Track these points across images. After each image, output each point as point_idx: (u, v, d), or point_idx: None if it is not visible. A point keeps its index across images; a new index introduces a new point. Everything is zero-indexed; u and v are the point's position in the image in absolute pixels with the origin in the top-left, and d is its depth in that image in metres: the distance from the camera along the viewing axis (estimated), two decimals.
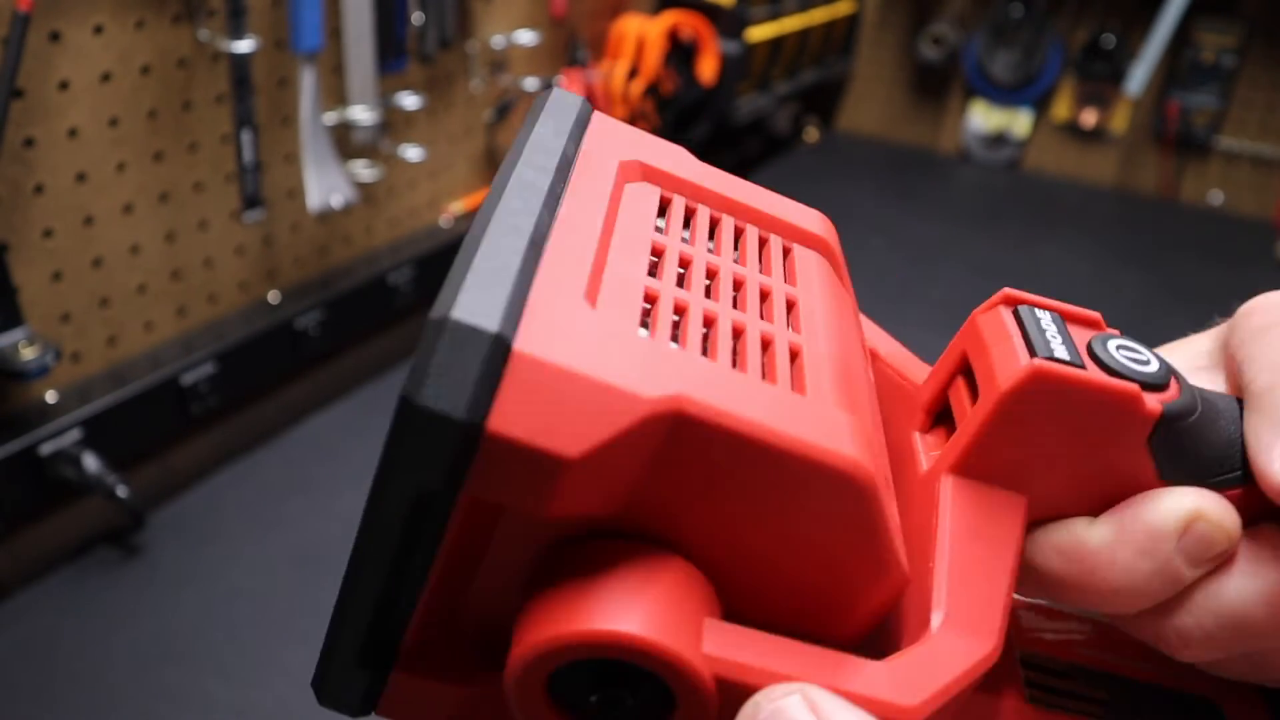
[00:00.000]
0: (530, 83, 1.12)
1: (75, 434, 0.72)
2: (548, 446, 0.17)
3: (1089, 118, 1.61)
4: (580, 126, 0.24)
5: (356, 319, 0.97)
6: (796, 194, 0.26)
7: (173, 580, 0.76)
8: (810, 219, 0.26)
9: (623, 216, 0.22)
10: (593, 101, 1.19)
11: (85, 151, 0.71)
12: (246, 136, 0.79)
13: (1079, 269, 1.34)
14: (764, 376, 0.20)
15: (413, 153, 0.96)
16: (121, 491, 0.73)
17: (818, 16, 1.54)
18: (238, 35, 0.75)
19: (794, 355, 0.21)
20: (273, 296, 0.91)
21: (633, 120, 1.27)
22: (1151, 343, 0.24)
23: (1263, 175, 1.52)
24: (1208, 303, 1.45)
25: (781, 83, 1.52)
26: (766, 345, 0.21)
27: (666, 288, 0.21)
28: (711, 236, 0.24)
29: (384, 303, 0.99)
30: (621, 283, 0.20)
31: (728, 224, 0.24)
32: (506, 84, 1.10)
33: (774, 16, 1.41)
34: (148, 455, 0.82)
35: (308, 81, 0.84)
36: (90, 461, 0.72)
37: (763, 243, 0.25)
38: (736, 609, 0.20)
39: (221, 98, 0.80)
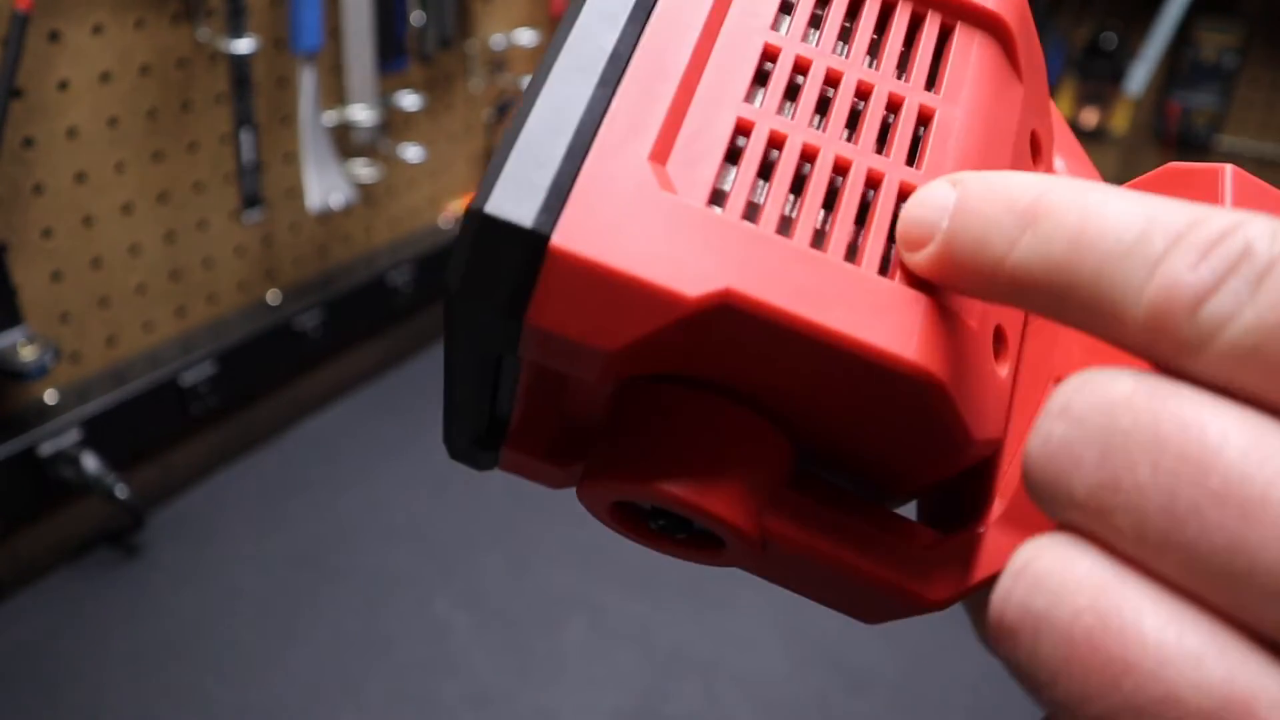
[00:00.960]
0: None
1: (75, 434, 0.72)
2: (585, 340, 0.16)
3: (1090, 118, 1.61)
4: None
5: (356, 319, 0.97)
6: None
7: (172, 580, 0.76)
8: None
9: (735, 8, 0.19)
10: None
11: (84, 151, 0.71)
12: (246, 136, 0.79)
13: None
14: (850, 247, 0.18)
15: (412, 152, 0.96)
16: (121, 492, 0.73)
17: None
18: (237, 35, 0.75)
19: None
20: (272, 296, 0.91)
21: None
22: None
23: (1264, 175, 1.52)
24: None
25: None
26: (866, 200, 0.18)
27: (763, 118, 0.18)
28: (852, 16, 0.20)
29: (383, 303, 0.99)
30: (705, 120, 0.18)
31: (872, 3, 0.20)
32: (506, 84, 1.10)
33: None
34: (147, 455, 0.82)
35: (307, 81, 0.84)
36: (90, 462, 0.72)
37: (915, 24, 0.20)
38: (808, 447, 0.20)
39: (221, 97, 0.80)
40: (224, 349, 0.83)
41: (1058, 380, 0.20)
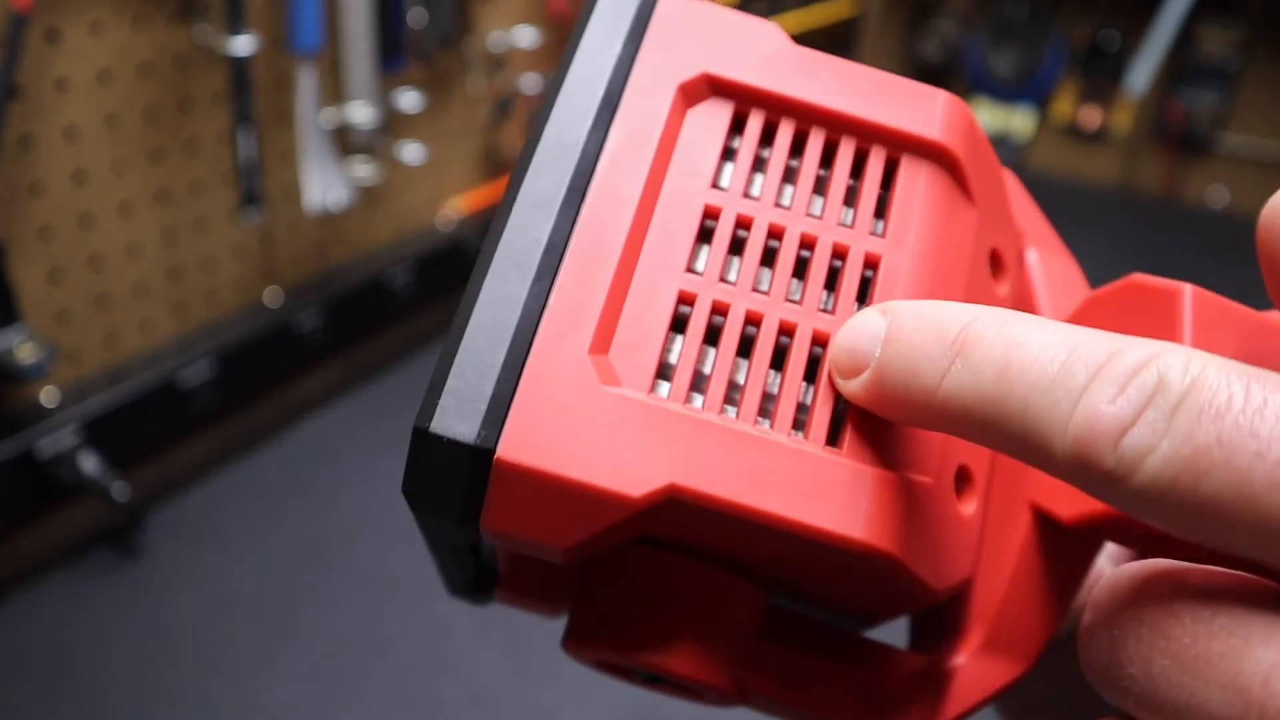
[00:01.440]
0: (529, 81, 1.12)
1: (73, 435, 0.72)
2: (538, 539, 0.17)
3: (1091, 117, 1.61)
4: (640, 26, 0.20)
5: (355, 319, 0.97)
6: None
7: (171, 581, 0.76)
8: (928, 112, 0.20)
9: (674, 170, 0.20)
10: None
11: (82, 150, 0.71)
12: (244, 135, 0.79)
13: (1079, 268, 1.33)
14: (800, 407, 0.18)
15: (411, 152, 0.96)
16: (120, 492, 0.73)
17: (818, 16, 1.54)
18: (236, 33, 0.75)
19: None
20: (271, 296, 0.90)
21: None
22: None
23: (1266, 174, 1.52)
24: None
25: None
26: (815, 356, 0.18)
27: (706, 287, 0.18)
28: (798, 153, 0.20)
29: (383, 302, 0.99)
30: (646, 298, 0.18)
31: (815, 143, 0.20)
32: (505, 83, 1.10)
33: (774, 15, 1.41)
34: (146, 456, 0.82)
35: (306, 80, 0.83)
36: (88, 462, 0.72)
37: (859, 159, 0.20)
38: (779, 588, 0.20)
39: (219, 96, 0.80)
40: (223, 349, 0.83)
41: (1033, 506, 0.21)
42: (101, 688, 0.67)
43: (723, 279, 0.19)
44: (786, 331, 0.18)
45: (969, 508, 0.19)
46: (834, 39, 1.63)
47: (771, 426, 0.18)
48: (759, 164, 0.20)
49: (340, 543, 0.81)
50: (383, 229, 1.01)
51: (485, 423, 0.17)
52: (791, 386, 0.18)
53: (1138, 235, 1.47)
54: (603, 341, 0.18)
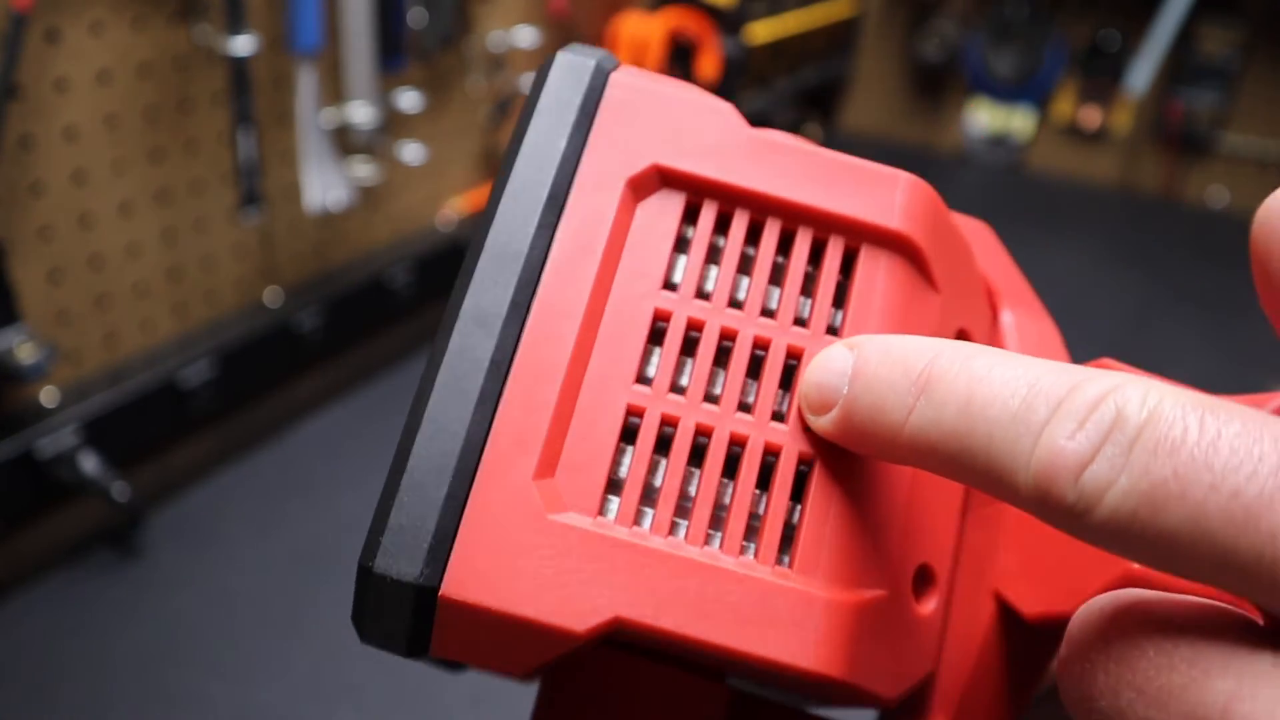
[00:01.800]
0: (529, 81, 1.12)
1: (73, 435, 0.72)
2: (488, 666, 0.18)
3: (1091, 117, 1.61)
4: (588, 112, 0.20)
5: (355, 319, 0.97)
6: None
7: (172, 581, 0.76)
8: (887, 199, 0.20)
9: (623, 272, 0.19)
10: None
11: (82, 150, 0.71)
12: (244, 135, 0.78)
13: (1080, 269, 1.33)
14: (752, 516, 0.18)
15: (411, 152, 0.96)
16: (120, 492, 0.73)
17: (818, 16, 1.54)
18: (236, 33, 0.75)
19: (800, 484, 0.18)
20: (271, 296, 0.90)
21: None
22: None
23: (1266, 175, 1.52)
24: (1210, 303, 1.43)
25: (782, 82, 1.51)
26: (766, 475, 0.18)
27: (655, 400, 0.18)
28: (752, 242, 0.20)
29: (383, 302, 0.99)
30: (594, 415, 0.18)
31: (770, 233, 0.20)
32: (505, 83, 1.10)
33: (775, 15, 1.41)
34: (146, 456, 0.82)
35: (306, 80, 0.83)
36: (88, 462, 0.72)
37: (817, 249, 0.20)
38: (739, 675, 0.20)
39: (219, 96, 0.80)
40: (223, 349, 0.83)
41: (996, 595, 0.20)
42: (101, 688, 0.67)
43: (674, 386, 0.18)
44: (738, 442, 0.18)
45: (928, 606, 0.19)
46: (834, 39, 1.63)
47: (721, 546, 0.18)
48: (714, 253, 0.20)
49: (340, 543, 0.81)
50: (383, 229, 1.01)
51: (428, 560, 0.17)
52: (742, 501, 0.18)
53: (1138, 235, 1.47)
54: (549, 464, 0.18)
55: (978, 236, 0.25)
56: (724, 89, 1.32)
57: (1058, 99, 1.63)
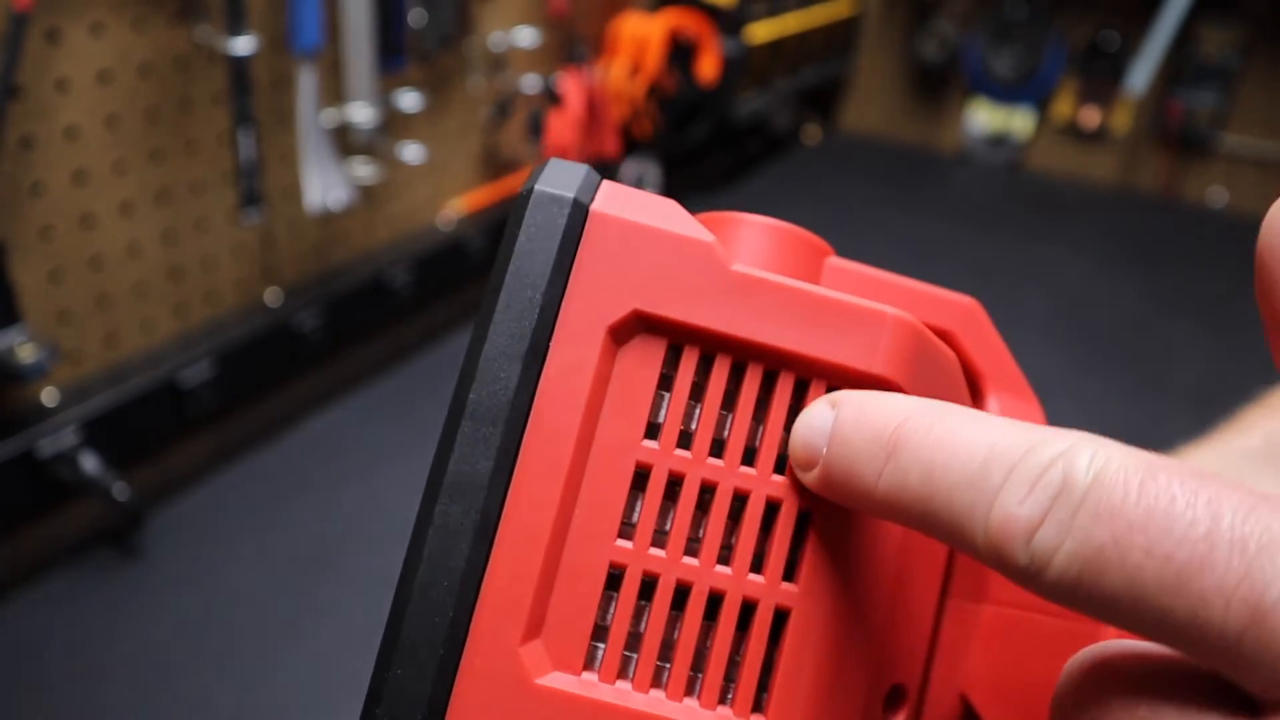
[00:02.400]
0: (530, 81, 1.12)
1: (73, 434, 0.72)
2: None
3: (1091, 117, 1.61)
4: (566, 258, 0.20)
5: (355, 319, 0.97)
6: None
7: (171, 581, 0.76)
8: (871, 341, 0.20)
9: (604, 422, 0.19)
10: (592, 107, 1.19)
11: (83, 150, 0.71)
12: (245, 136, 0.79)
13: (1079, 269, 1.33)
14: (724, 686, 0.19)
15: (411, 152, 0.96)
16: (120, 492, 0.73)
17: (818, 16, 1.54)
18: (236, 34, 0.75)
19: (778, 631, 0.20)
20: (271, 296, 0.90)
21: (635, 120, 1.27)
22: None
23: (1266, 174, 1.52)
24: (1209, 303, 1.43)
25: (782, 82, 1.52)
26: (745, 619, 0.19)
27: (636, 558, 0.19)
28: (731, 399, 0.20)
29: (383, 302, 0.99)
30: (578, 574, 0.19)
31: (753, 378, 0.20)
32: (506, 82, 1.10)
33: (775, 15, 1.41)
34: (146, 456, 0.82)
35: (306, 80, 0.83)
36: (88, 462, 0.72)
37: (798, 392, 0.20)
38: None
39: (219, 97, 0.80)
40: (223, 349, 0.83)
41: (963, 698, 0.22)
42: (102, 688, 0.67)
43: (656, 534, 0.19)
44: (718, 592, 0.19)
45: None
46: (834, 39, 1.63)
47: (699, 697, 0.19)
48: (696, 392, 0.20)
49: (340, 543, 0.81)
50: (383, 229, 1.01)
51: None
52: (721, 650, 0.19)
53: (1137, 235, 1.47)
54: (535, 625, 0.18)
55: (967, 319, 0.25)
56: (724, 89, 1.33)
57: (1057, 99, 1.63)
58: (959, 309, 0.25)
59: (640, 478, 0.19)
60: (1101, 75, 1.57)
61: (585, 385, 0.19)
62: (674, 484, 0.19)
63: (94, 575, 0.76)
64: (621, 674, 0.19)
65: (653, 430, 0.20)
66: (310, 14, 0.80)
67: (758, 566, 0.19)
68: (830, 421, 0.18)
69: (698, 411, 0.20)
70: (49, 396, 0.73)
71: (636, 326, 0.20)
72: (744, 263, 0.20)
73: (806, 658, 0.19)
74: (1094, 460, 0.14)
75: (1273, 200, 0.18)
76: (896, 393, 0.19)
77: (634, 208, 0.20)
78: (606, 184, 0.20)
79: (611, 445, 0.19)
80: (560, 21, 1.17)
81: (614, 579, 0.19)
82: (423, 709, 0.18)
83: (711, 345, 0.20)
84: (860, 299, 0.20)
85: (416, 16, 0.94)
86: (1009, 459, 0.15)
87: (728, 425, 0.20)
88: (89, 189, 0.73)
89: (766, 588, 0.19)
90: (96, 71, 0.70)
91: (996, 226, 1.46)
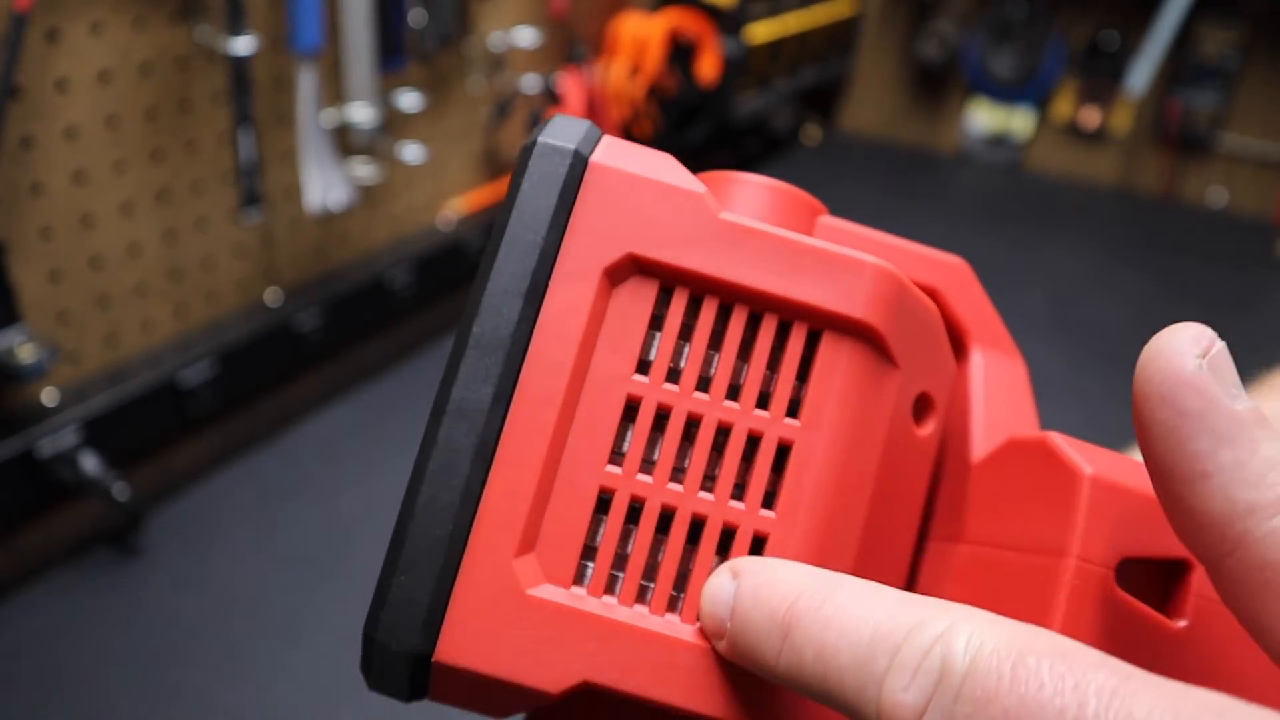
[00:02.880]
0: (530, 81, 1.12)
1: (73, 435, 0.72)
2: (477, 711, 0.21)
3: (1090, 117, 1.61)
4: (566, 205, 0.21)
5: (356, 319, 0.97)
6: None
7: (172, 582, 0.76)
8: (852, 286, 0.21)
9: (598, 357, 0.21)
10: (592, 107, 1.19)
11: (83, 150, 0.71)
12: (245, 135, 0.79)
13: (1080, 269, 1.33)
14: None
15: (412, 152, 0.96)
16: (120, 492, 0.73)
17: (818, 16, 1.54)
18: (236, 33, 0.75)
19: (758, 553, 0.21)
20: (271, 296, 0.90)
21: (635, 120, 1.27)
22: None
23: (1266, 175, 1.52)
24: (1209, 303, 1.43)
25: (782, 82, 1.52)
26: (726, 543, 0.21)
27: (624, 482, 0.20)
28: (718, 339, 0.21)
29: (383, 302, 0.99)
30: (570, 495, 0.20)
31: (738, 318, 0.21)
32: (506, 82, 1.10)
33: (775, 15, 1.41)
34: (146, 456, 0.82)
35: (307, 80, 0.83)
36: (89, 462, 0.72)
37: (781, 333, 0.21)
38: None
39: (220, 96, 0.80)
40: (223, 349, 0.83)
41: None
42: (102, 688, 0.67)
43: (645, 462, 0.21)
44: (700, 517, 0.20)
45: None
46: (834, 39, 1.63)
47: (680, 613, 0.20)
48: (685, 332, 0.21)
49: (340, 543, 0.81)
50: (383, 229, 1.01)
51: (423, 633, 0.19)
52: (701, 572, 0.20)
53: (1137, 235, 1.47)
54: (529, 540, 0.20)
55: (954, 276, 0.26)
56: (723, 89, 1.32)
57: (1057, 99, 1.63)
58: (947, 267, 0.26)
59: (631, 410, 0.21)
60: (1101, 75, 1.57)
61: (581, 322, 0.20)
62: (662, 416, 0.21)
63: (94, 575, 0.76)
64: (608, 590, 0.20)
65: (644, 366, 0.21)
66: (310, 14, 0.80)
67: (739, 495, 0.21)
68: (731, 594, 0.19)
69: (686, 350, 0.21)
70: (49, 396, 0.73)
71: (631, 269, 0.21)
72: (738, 214, 0.22)
73: None
74: (969, 644, 0.15)
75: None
76: (794, 562, 0.20)
77: (631, 160, 0.22)
78: (607, 138, 0.22)
79: (605, 378, 0.21)
80: (560, 21, 1.17)
81: (604, 502, 0.20)
82: (423, 613, 0.19)
83: (700, 288, 0.21)
84: (845, 248, 0.21)
85: (416, 16, 0.94)
86: (893, 641, 0.16)
87: (714, 363, 0.21)
88: (89, 189, 0.73)
89: (746, 514, 0.20)
90: (96, 71, 0.70)
91: (996, 226, 1.46)
